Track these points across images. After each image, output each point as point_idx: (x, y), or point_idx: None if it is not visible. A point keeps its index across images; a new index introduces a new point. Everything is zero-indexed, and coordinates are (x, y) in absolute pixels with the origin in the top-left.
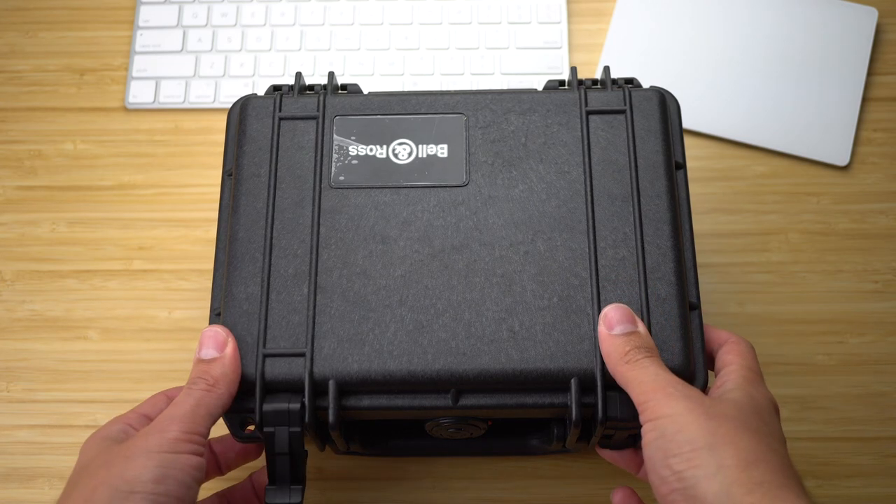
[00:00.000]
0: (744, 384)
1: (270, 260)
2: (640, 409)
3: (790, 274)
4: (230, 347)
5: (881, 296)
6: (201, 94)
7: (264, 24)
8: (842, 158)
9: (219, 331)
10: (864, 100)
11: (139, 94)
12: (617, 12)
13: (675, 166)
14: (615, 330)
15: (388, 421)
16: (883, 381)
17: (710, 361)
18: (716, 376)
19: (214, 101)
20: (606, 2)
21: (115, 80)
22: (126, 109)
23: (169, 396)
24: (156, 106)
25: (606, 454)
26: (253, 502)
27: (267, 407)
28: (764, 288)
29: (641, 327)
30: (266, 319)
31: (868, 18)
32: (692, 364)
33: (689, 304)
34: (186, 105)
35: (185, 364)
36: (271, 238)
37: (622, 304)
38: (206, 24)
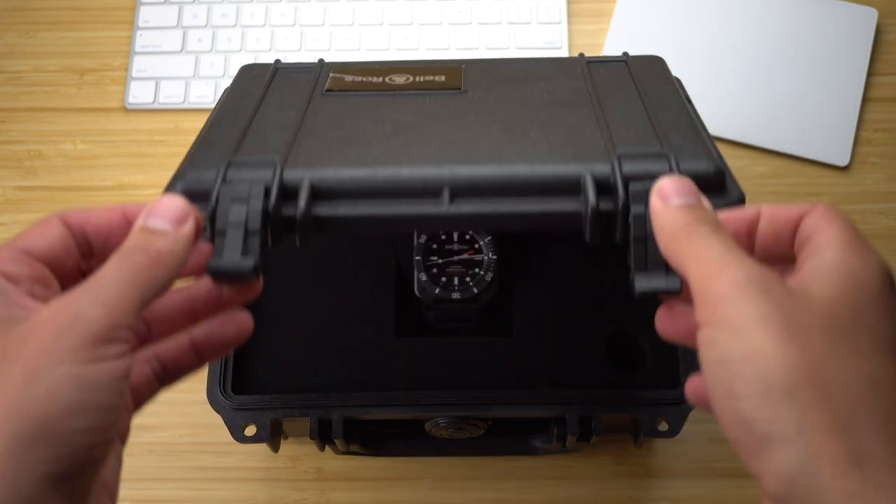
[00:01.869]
0: (844, 254)
1: (253, 118)
2: (696, 300)
3: None
4: (189, 225)
5: None
6: (201, 95)
7: (264, 25)
8: (842, 159)
9: (180, 202)
10: (864, 100)
11: (139, 94)
12: (617, 13)
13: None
14: (672, 201)
15: (387, 421)
16: None
17: (782, 251)
18: (797, 256)
19: (214, 101)
20: (606, 2)
21: (114, 81)
22: (126, 110)
23: (64, 221)
24: (156, 106)
25: (663, 316)
26: (190, 359)
27: (225, 189)
28: None
29: (706, 202)
30: (242, 141)
31: (868, 19)
32: (718, 165)
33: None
34: (186, 105)
35: None
36: (262, 98)
37: (682, 176)
38: (206, 25)
